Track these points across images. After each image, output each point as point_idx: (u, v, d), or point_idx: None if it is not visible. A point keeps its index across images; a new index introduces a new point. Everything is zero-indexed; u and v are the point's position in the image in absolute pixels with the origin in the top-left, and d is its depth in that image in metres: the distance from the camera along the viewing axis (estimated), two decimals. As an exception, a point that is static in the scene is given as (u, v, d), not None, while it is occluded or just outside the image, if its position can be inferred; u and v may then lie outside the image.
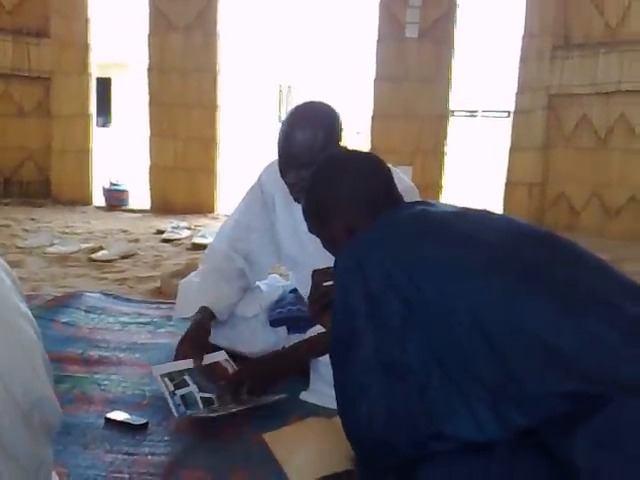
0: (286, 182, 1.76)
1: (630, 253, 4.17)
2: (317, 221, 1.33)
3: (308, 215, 1.35)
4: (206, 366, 1.71)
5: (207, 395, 1.62)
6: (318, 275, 1.33)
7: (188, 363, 1.69)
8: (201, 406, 1.59)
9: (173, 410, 1.56)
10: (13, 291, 0.86)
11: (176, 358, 1.74)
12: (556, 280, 1.04)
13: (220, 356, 1.78)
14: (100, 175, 6.06)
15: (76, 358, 1.99)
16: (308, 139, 1.66)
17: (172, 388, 1.61)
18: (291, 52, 18.06)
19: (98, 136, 6.10)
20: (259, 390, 1.64)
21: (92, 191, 5.97)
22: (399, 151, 5.40)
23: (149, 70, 5.70)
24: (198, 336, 1.80)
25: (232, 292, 1.94)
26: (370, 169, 1.33)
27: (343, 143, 1.74)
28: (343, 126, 1.75)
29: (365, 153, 1.44)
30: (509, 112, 5.95)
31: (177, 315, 2.01)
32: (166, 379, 1.63)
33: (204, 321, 1.83)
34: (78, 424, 1.55)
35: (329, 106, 1.78)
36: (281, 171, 1.76)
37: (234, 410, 1.54)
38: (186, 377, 1.65)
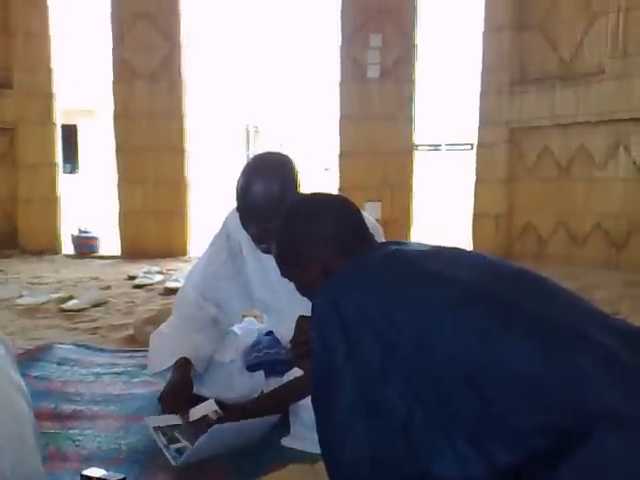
0: (249, 234, 1.78)
1: (598, 280, 4.26)
2: (290, 266, 1.34)
3: (280, 261, 1.36)
4: (196, 421, 1.67)
5: None
6: (302, 321, 1.33)
7: (178, 418, 1.67)
8: None
9: (170, 460, 1.54)
10: (7, 360, 0.85)
11: (162, 413, 1.71)
12: (531, 315, 1.05)
13: (209, 406, 1.73)
14: (69, 223, 6.00)
15: (49, 413, 1.94)
16: (265, 192, 1.67)
17: (165, 442, 1.59)
18: (257, 93, 18.28)
19: (65, 184, 6.06)
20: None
21: (61, 239, 5.91)
22: (367, 187, 5.48)
23: (115, 118, 5.72)
24: (182, 389, 1.77)
25: (208, 341, 1.93)
26: (340, 211, 1.34)
27: (301, 189, 1.76)
28: (299, 173, 1.77)
29: (333, 195, 1.46)
30: (472, 145, 6.08)
31: (152, 370, 1.95)
32: (159, 433, 1.61)
33: (186, 373, 1.80)
34: (54, 483, 1.50)
35: (283, 155, 1.82)
36: (242, 224, 1.78)
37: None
38: (177, 434, 1.62)
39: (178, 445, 1.59)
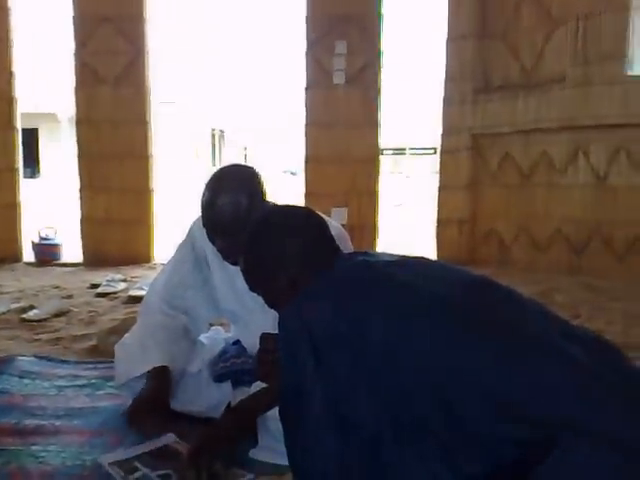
0: (216, 248, 1.76)
1: (559, 284, 4.34)
2: (258, 280, 1.34)
3: (248, 276, 1.35)
4: (157, 450, 1.63)
5: (163, 472, 1.55)
6: (267, 339, 1.32)
7: (136, 450, 1.63)
8: None
9: None
10: None
11: (131, 426, 1.67)
12: (499, 327, 1.07)
13: (169, 439, 1.69)
14: (29, 229, 5.87)
15: (11, 429, 1.89)
16: (231, 206, 1.65)
17: (123, 474, 1.54)
18: (223, 98, 18.20)
19: (26, 188, 5.93)
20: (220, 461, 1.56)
21: (21, 246, 5.77)
22: (334, 193, 5.50)
23: (77, 123, 5.62)
24: (158, 401, 1.74)
25: (182, 350, 1.91)
26: (306, 223, 1.35)
27: (267, 200, 1.74)
28: (264, 185, 1.75)
29: (298, 207, 1.46)
30: (435, 149, 6.16)
31: (119, 380, 1.91)
32: (115, 467, 1.57)
33: (164, 381, 1.76)
34: (16, 502, 1.47)
35: (248, 167, 1.80)
36: (209, 237, 1.75)
37: None
38: (136, 464, 1.58)
39: (138, 474, 1.54)
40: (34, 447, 1.77)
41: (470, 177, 5.35)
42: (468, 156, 5.33)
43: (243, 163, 1.85)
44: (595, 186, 4.70)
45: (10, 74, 5.59)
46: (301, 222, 1.34)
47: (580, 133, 4.70)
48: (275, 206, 1.63)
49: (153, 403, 1.73)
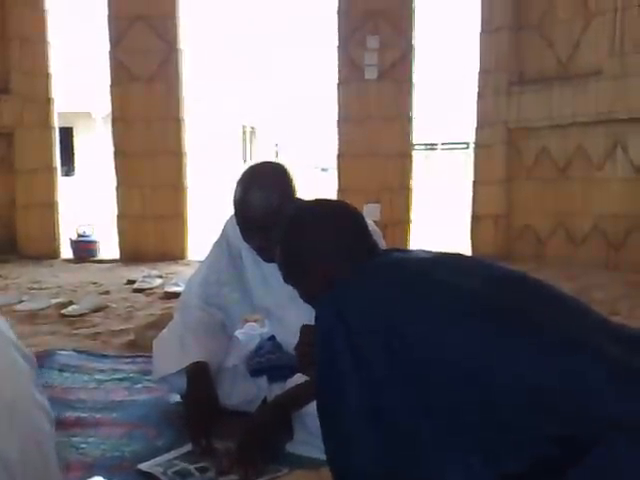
0: (250, 246, 1.77)
1: (596, 280, 4.26)
2: (294, 273, 1.34)
3: (284, 268, 1.35)
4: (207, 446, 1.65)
5: (201, 465, 1.58)
6: (307, 330, 1.32)
7: (170, 455, 1.64)
8: (197, 474, 1.54)
9: None
10: (31, 380, 0.85)
11: (190, 429, 1.69)
12: (537, 323, 1.05)
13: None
14: (67, 227, 5.99)
15: (52, 421, 1.94)
16: (262, 203, 1.66)
17: (162, 469, 1.56)
18: (254, 94, 18.28)
19: (62, 186, 6.05)
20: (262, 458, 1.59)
21: (59, 244, 5.90)
22: (366, 189, 5.49)
23: (113, 121, 5.71)
24: (212, 401, 1.75)
25: (220, 346, 1.93)
26: (343, 217, 1.34)
27: (298, 196, 1.74)
28: (295, 180, 1.75)
29: (336, 201, 1.45)
30: (468, 144, 6.09)
31: (157, 374, 1.93)
32: (153, 467, 1.58)
33: (208, 381, 1.78)
34: (58, 492, 1.50)
35: (278, 164, 1.81)
36: (243, 236, 1.76)
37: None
38: (175, 461, 1.61)
39: (176, 468, 1.56)
40: (74, 439, 1.81)
41: (505, 171, 5.28)
42: (503, 150, 5.26)
43: (273, 160, 1.86)
44: (634, 180, 4.60)
45: (47, 75, 5.70)
46: (337, 215, 1.33)
47: (618, 126, 4.60)
48: (310, 200, 1.63)
49: (206, 404, 1.74)
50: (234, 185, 1.74)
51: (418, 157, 7.29)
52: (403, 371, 1.05)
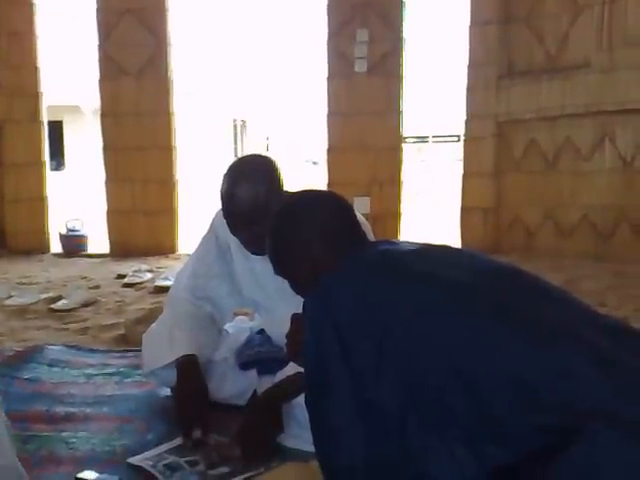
0: (238, 239, 1.78)
1: (585, 271, 4.29)
2: (283, 265, 1.34)
3: (274, 260, 1.36)
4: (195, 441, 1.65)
5: (191, 458, 1.59)
6: (297, 321, 1.33)
7: (161, 448, 1.65)
8: (187, 467, 1.55)
9: (160, 478, 1.51)
10: None
11: (181, 421, 1.69)
12: (525, 315, 1.06)
13: (195, 434, 1.68)
14: (56, 221, 5.96)
15: (41, 416, 1.93)
16: (249, 195, 1.66)
17: (151, 463, 1.57)
18: (244, 88, 18.22)
19: (52, 180, 6.03)
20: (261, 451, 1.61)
21: (49, 238, 5.87)
22: (356, 182, 5.48)
23: (102, 115, 5.69)
24: (201, 394, 1.76)
25: (209, 339, 1.93)
26: (332, 208, 1.34)
27: (285, 189, 1.73)
28: (281, 174, 1.75)
29: (325, 192, 1.46)
30: (459, 136, 6.11)
31: (148, 367, 1.93)
32: (143, 461, 1.59)
33: (198, 374, 1.79)
34: (48, 486, 1.51)
35: (265, 157, 1.81)
36: (230, 229, 1.76)
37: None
38: (165, 453, 1.62)
39: (165, 462, 1.57)
40: (64, 433, 1.81)
41: (494, 164, 5.30)
42: (492, 143, 5.27)
43: (260, 153, 1.86)
44: (622, 171, 4.64)
45: (35, 69, 5.66)
46: (326, 207, 1.34)
47: (606, 118, 4.63)
48: (298, 191, 1.63)
49: (197, 397, 1.74)
50: (221, 180, 1.74)
51: (410, 149, 7.27)
52: (389, 362, 1.05)
